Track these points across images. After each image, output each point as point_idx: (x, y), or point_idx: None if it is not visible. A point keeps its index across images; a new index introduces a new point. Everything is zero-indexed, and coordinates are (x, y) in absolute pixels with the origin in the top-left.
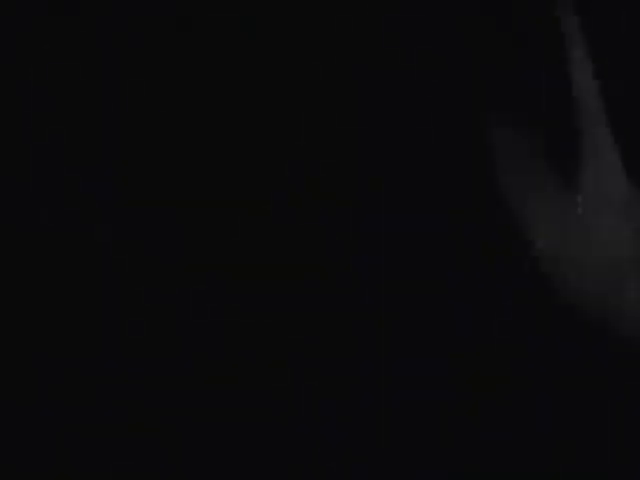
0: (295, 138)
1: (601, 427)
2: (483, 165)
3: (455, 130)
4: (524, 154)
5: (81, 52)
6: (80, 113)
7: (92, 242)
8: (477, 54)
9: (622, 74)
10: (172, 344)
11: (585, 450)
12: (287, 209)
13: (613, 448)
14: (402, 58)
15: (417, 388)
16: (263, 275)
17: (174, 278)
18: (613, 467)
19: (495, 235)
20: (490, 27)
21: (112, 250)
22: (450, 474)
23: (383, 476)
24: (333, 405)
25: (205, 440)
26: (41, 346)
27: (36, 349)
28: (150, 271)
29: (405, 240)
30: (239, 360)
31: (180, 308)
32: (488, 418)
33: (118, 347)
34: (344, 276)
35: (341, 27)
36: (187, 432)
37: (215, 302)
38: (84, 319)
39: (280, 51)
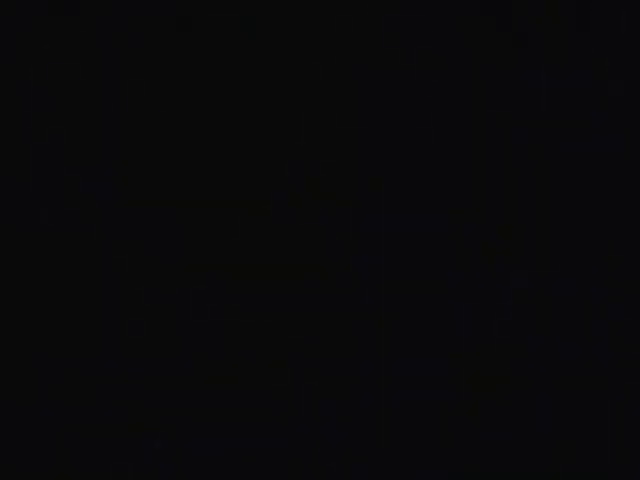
0: (295, 138)
1: (601, 427)
2: (483, 165)
3: (455, 130)
4: None
5: (81, 52)
6: (80, 113)
7: (92, 242)
8: (477, 54)
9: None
10: (172, 344)
11: (585, 450)
12: (287, 209)
13: (613, 448)
14: (402, 58)
15: (417, 388)
16: (263, 275)
17: (174, 278)
18: (613, 467)
19: (495, 235)
20: (490, 27)
21: (112, 250)
22: (450, 474)
23: (383, 476)
24: (333, 405)
25: (205, 440)
26: (41, 346)
27: (36, 349)
28: (150, 271)
29: (405, 240)
30: (239, 360)
31: (180, 308)
32: (488, 418)
33: (118, 347)
34: (344, 276)
35: (341, 27)
36: (187, 432)
37: (215, 302)
38: (84, 319)
39: (280, 51)
